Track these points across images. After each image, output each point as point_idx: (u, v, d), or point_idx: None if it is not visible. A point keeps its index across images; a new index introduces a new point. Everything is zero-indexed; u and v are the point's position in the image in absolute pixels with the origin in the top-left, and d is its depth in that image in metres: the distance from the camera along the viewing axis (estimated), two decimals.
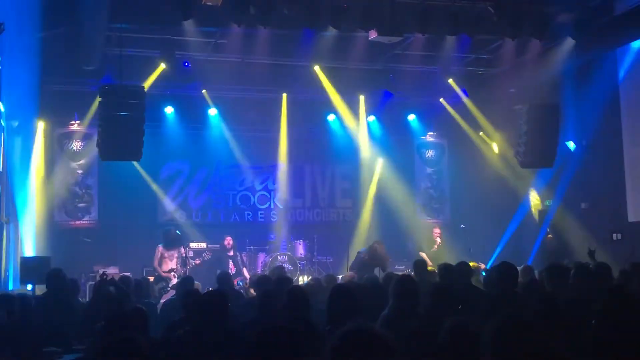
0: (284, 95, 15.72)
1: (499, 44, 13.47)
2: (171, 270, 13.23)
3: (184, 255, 13.32)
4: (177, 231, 14.00)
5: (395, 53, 13.96)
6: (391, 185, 17.11)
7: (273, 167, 16.91)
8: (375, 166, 17.15)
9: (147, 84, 12.96)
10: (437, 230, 15.28)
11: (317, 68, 14.46)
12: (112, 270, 13.57)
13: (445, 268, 7.82)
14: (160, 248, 13.35)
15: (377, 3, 11.12)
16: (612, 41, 12.58)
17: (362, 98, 16.22)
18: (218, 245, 14.65)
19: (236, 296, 8.89)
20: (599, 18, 11.98)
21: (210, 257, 14.11)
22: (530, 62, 13.18)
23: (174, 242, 13.45)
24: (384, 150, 17.05)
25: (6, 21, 9.12)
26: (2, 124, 9.77)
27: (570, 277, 6.66)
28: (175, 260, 13.31)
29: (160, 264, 13.24)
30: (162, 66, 13.28)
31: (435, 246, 14.84)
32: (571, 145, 14.11)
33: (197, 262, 13.74)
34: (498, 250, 15.47)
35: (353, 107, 16.26)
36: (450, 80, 15.32)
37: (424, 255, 14.09)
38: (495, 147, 16.52)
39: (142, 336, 4.68)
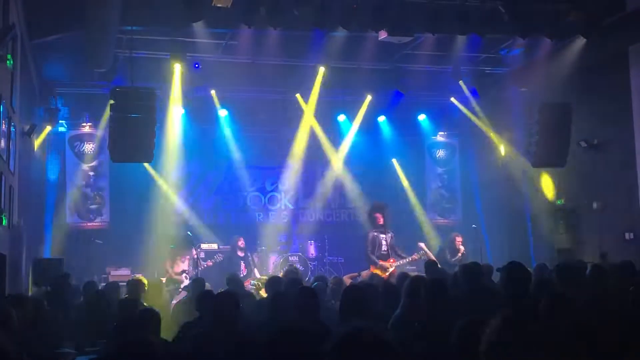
0: (298, 96, 15.69)
1: (509, 43, 13.42)
2: (183, 271, 13.26)
3: (195, 257, 13.33)
4: (189, 232, 14.02)
5: (406, 53, 13.94)
6: (402, 185, 17.12)
7: (284, 168, 16.90)
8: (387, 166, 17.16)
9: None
10: (459, 239, 14.28)
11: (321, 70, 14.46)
12: (124, 272, 13.63)
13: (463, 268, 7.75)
14: (171, 251, 13.38)
15: (387, 3, 11.11)
16: (623, 39, 12.52)
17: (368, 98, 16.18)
18: (229, 247, 14.66)
19: (247, 297, 8.90)
20: (610, 15, 11.93)
21: (222, 258, 14.11)
22: (541, 61, 13.13)
23: (185, 247, 13.45)
24: (394, 150, 17.04)
25: (17, 24, 9.17)
26: (15, 126, 9.81)
27: (582, 277, 6.63)
28: (187, 262, 13.34)
29: (172, 266, 13.26)
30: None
31: (460, 254, 13.95)
32: (583, 144, 14.02)
33: (209, 263, 13.74)
34: (508, 250, 15.40)
35: (363, 108, 16.24)
36: (460, 82, 15.31)
37: (422, 245, 13.94)
38: (506, 147, 16.46)
39: (155, 337, 4.69)
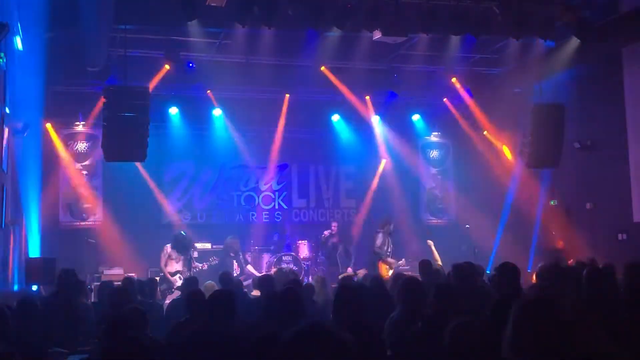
0: (286, 96, 15.70)
1: (503, 43, 13.44)
2: (177, 272, 13.24)
3: (190, 258, 13.35)
4: (182, 232, 13.99)
5: (400, 53, 13.95)
6: (395, 185, 17.13)
7: (277, 167, 16.91)
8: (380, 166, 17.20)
9: (152, 84, 13.06)
10: (334, 224, 15.76)
11: (323, 69, 14.51)
12: (117, 271, 13.59)
13: (456, 268, 7.77)
14: (167, 248, 13.32)
15: (382, 3, 11.10)
16: (617, 40, 12.55)
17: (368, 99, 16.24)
18: (222, 246, 14.63)
19: (241, 296, 8.88)
20: (604, 17, 11.95)
21: (217, 261, 14.03)
22: (535, 62, 13.15)
23: (184, 247, 13.42)
24: (388, 150, 17.05)
25: (11, 22, 9.13)
26: (7, 125, 9.79)
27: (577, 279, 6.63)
28: (181, 262, 13.32)
29: (166, 265, 13.24)
30: (166, 67, 13.40)
31: (326, 233, 15.36)
32: (576, 145, 14.06)
33: (204, 266, 13.66)
34: (501, 251, 15.42)
35: (357, 108, 16.25)
36: (454, 80, 15.34)
37: (430, 243, 14.02)
38: (500, 148, 16.48)
39: (143, 335, 4.68)
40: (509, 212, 15.93)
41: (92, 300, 10.19)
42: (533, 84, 13.80)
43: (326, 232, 15.44)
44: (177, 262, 13.29)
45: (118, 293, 7.72)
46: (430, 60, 14.27)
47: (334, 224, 15.66)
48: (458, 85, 15.54)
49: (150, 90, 11.95)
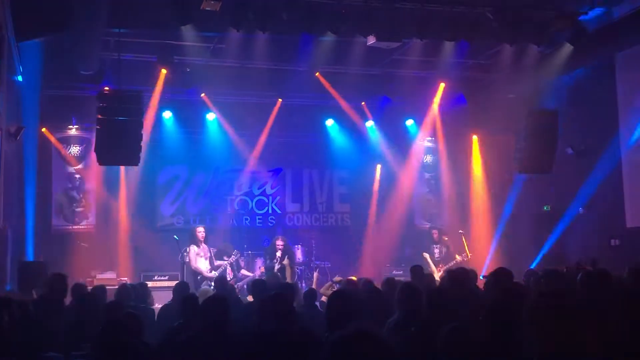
0: (279, 101, 15.70)
1: (497, 49, 13.47)
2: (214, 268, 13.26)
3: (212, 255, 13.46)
4: (175, 236, 13.97)
5: (394, 58, 13.97)
6: (389, 190, 17.13)
7: (271, 172, 16.90)
8: (374, 171, 17.20)
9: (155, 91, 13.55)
10: (279, 243, 13.86)
11: (318, 74, 14.51)
12: (110, 275, 13.56)
13: (449, 273, 7.79)
14: (193, 248, 13.26)
15: (376, 8, 11.13)
16: (610, 46, 12.61)
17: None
18: (215, 249, 14.61)
19: (234, 302, 8.87)
20: (597, 23, 12.00)
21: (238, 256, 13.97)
22: (529, 68, 13.20)
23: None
24: (382, 155, 17.05)
25: (3, 26, 9.12)
26: (1, 128, 9.76)
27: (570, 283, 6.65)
28: (208, 259, 13.34)
29: (196, 262, 13.16)
30: (163, 71, 13.44)
31: (276, 258, 13.70)
32: (569, 150, 14.11)
33: (232, 259, 13.57)
34: (494, 256, 15.45)
35: (351, 112, 16.25)
36: (447, 87, 15.39)
37: (426, 256, 14.10)
38: (493, 153, 16.51)
39: (138, 341, 4.67)
40: (502, 217, 15.95)
41: None
42: (527, 89, 13.83)
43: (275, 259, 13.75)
44: (205, 259, 13.26)
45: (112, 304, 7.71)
46: (424, 66, 14.28)
47: (280, 243, 13.89)
48: (451, 91, 15.57)
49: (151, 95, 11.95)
